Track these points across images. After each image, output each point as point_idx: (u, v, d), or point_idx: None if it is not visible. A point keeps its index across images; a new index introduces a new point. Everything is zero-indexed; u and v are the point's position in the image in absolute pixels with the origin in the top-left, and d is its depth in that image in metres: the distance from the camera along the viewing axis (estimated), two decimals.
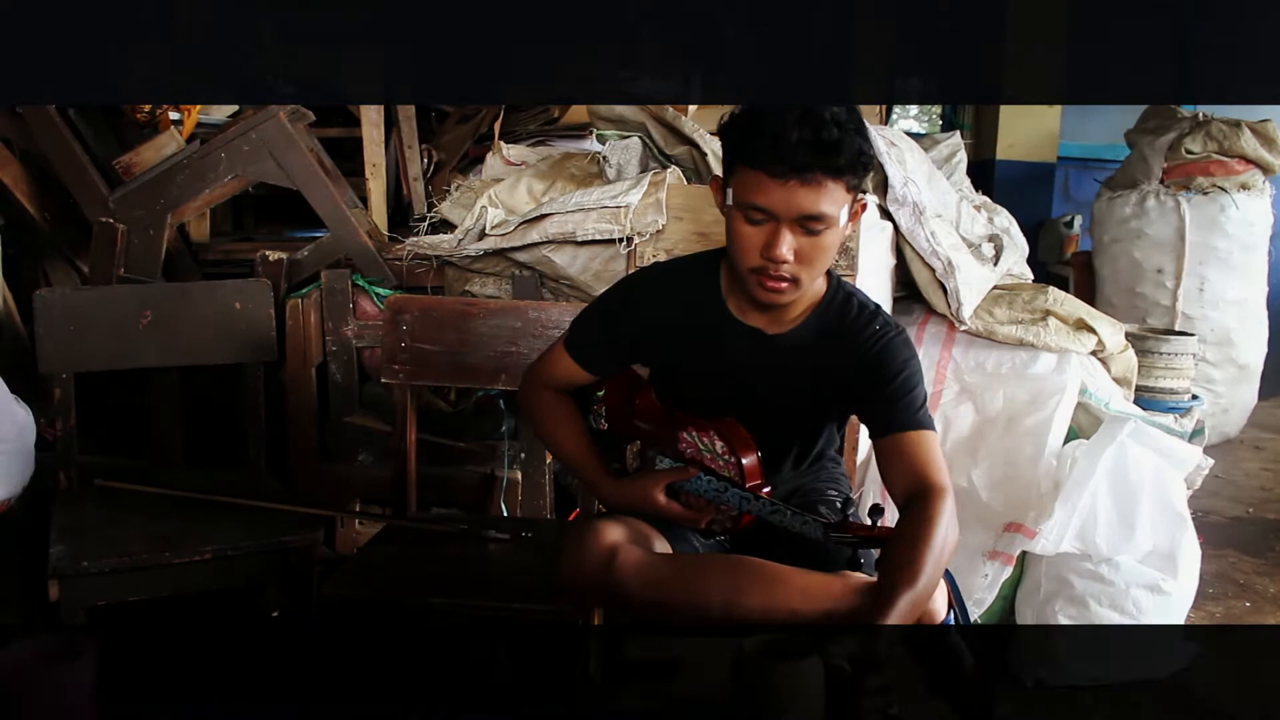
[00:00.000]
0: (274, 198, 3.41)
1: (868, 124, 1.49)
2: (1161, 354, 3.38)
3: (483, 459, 2.61)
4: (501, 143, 3.19)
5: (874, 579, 1.43)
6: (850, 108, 1.45)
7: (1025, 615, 2.33)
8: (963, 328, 2.53)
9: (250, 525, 1.96)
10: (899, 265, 2.60)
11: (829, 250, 1.46)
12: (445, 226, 2.75)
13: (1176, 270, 4.23)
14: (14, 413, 2.09)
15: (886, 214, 2.50)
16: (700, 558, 1.55)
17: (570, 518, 2.46)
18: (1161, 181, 4.31)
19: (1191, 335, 3.58)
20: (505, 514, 2.52)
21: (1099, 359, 2.62)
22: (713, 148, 2.50)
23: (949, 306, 2.49)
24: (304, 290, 2.62)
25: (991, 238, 2.94)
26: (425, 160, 3.75)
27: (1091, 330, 2.53)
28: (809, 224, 1.41)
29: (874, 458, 1.60)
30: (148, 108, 2.98)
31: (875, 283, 2.39)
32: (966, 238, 2.80)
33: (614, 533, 1.50)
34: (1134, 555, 2.22)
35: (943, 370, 2.56)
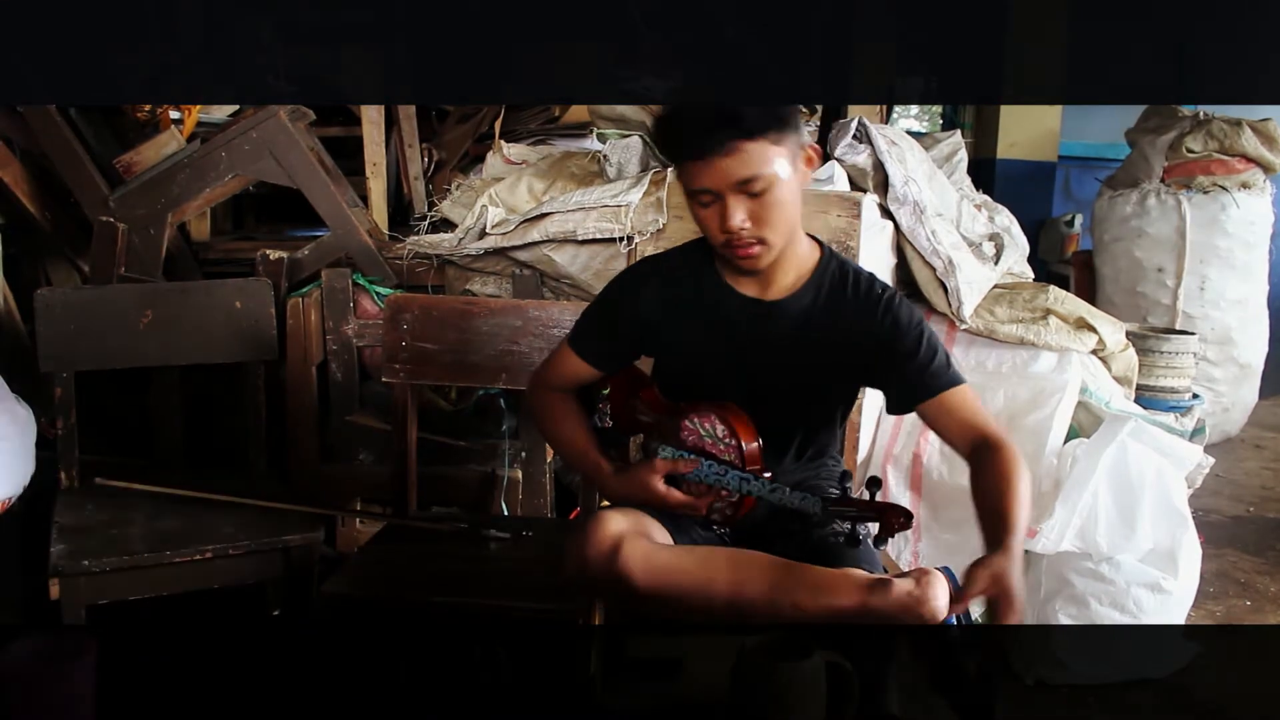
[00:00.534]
0: (274, 197, 3.42)
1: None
2: (1162, 353, 3.38)
3: (483, 458, 2.61)
4: (502, 142, 3.19)
5: (877, 575, 1.43)
6: None
7: (1026, 614, 2.32)
8: (963, 326, 2.53)
9: (251, 524, 1.96)
10: (899, 264, 2.60)
11: (782, 205, 1.48)
12: (446, 225, 2.75)
13: (1177, 269, 4.23)
14: (15, 411, 2.09)
15: (887, 213, 2.50)
16: (706, 550, 1.55)
17: (571, 516, 2.46)
18: (1162, 180, 4.31)
19: (1192, 334, 3.58)
20: (506, 513, 2.52)
21: (1100, 358, 2.62)
22: None
23: (949, 305, 2.49)
24: (305, 289, 2.62)
25: (992, 237, 2.94)
26: (426, 159, 3.76)
27: (1092, 329, 2.53)
28: (747, 188, 1.45)
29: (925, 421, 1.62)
30: (148, 107, 2.98)
31: None
32: (967, 237, 2.80)
33: (619, 524, 1.50)
34: (1134, 554, 2.22)
35: None
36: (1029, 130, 5.46)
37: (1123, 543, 2.19)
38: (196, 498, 2.05)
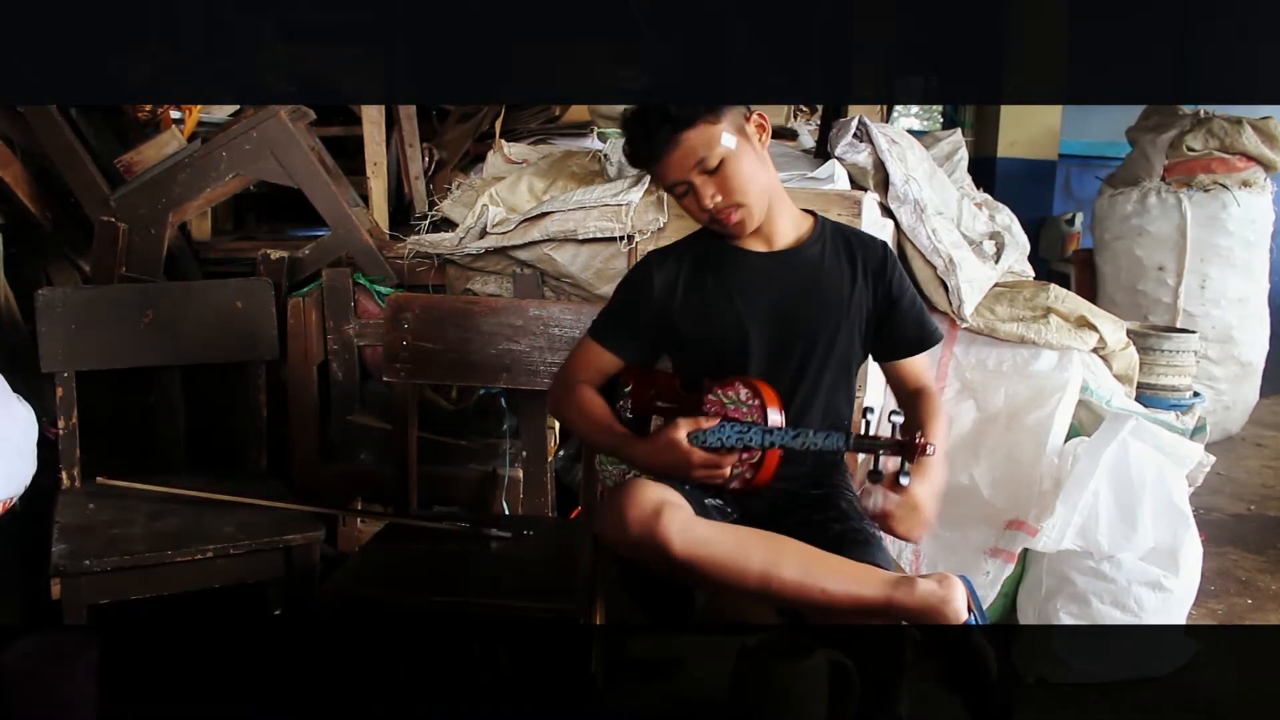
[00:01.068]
0: (275, 196, 3.42)
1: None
2: (1163, 351, 3.38)
3: (484, 457, 2.61)
4: (502, 141, 3.19)
5: (902, 574, 1.45)
6: None
7: (1027, 613, 2.33)
8: (964, 325, 2.53)
9: (252, 524, 1.96)
10: (900, 262, 2.60)
11: (741, 172, 1.66)
12: (446, 225, 2.75)
13: (1178, 268, 4.23)
14: (16, 411, 2.09)
15: (888, 211, 2.50)
16: (742, 528, 1.57)
17: (572, 515, 2.46)
18: (1163, 179, 4.31)
19: (1193, 333, 3.58)
20: (507, 512, 2.52)
21: (1100, 356, 2.62)
22: None
23: (950, 304, 2.48)
24: (305, 289, 2.62)
25: (993, 235, 2.94)
26: (426, 159, 3.75)
27: (1093, 328, 2.53)
28: (703, 167, 1.64)
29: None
30: (149, 107, 2.98)
31: None
32: (968, 235, 2.80)
33: (661, 491, 1.52)
34: (1135, 553, 2.22)
35: (944, 368, 2.56)
36: (1029, 129, 5.46)
37: (1124, 541, 2.19)
38: (197, 497, 2.05)
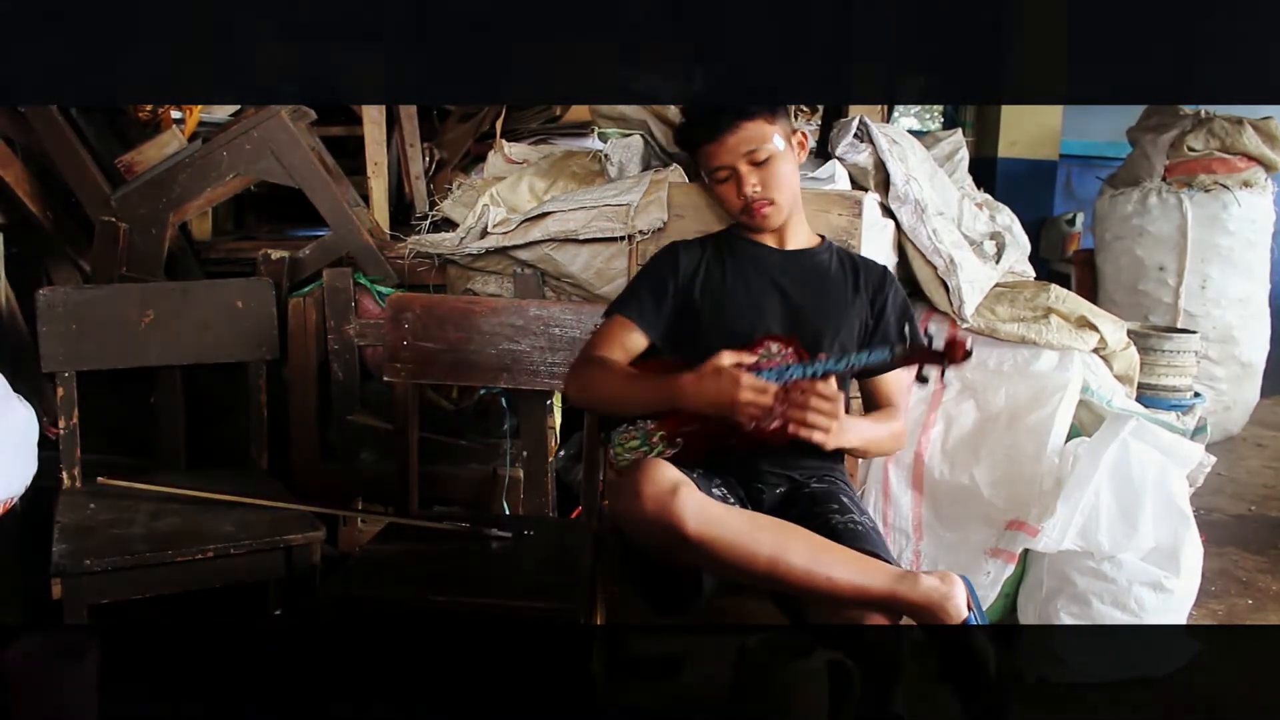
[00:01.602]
0: (276, 196, 3.41)
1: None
2: (1164, 351, 3.38)
3: (485, 457, 2.61)
4: (503, 141, 3.19)
5: (907, 570, 1.47)
6: None
7: (1027, 613, 2.33)
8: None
9: (252, 524, 1.96)
10: (901, 263, 2.60)
11: (783, 172, 1.85)
12: (447, 225, 2.75)
13: (1179, 268, 4.23)
14: (17, 411, 2.09)
15: (888, 211, 2.50)
16: (753, 513, 1.60)
17: (573, 515, 2.46)
18: (1164, 179, 4.31)
19: (1194, 333, 3.58)
20: (507, 512, 2.53)
21: (1101, 356, 2.62)
22: None
23: (951, 304, 2.48)
24: (306, 289, 2.62)
25: (993, 235, 2.94)
26: (427, 158, 3.75)
27: (1093, 328, 2.53)
28: (753, 156, 1.82)
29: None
30: (150, 106, 2.98)
31: None
32: (968, 235, 2.79)
33: (676, 472, 1.54)
34: (1136, 553, 2.22)
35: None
36: (1030, 129, 5.46)
37: (1124, 541, 2.19)
38: (198, 497, 2.05)
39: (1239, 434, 4.49)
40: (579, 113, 4.06)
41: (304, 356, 2.58)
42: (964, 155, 3.54)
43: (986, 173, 5.18)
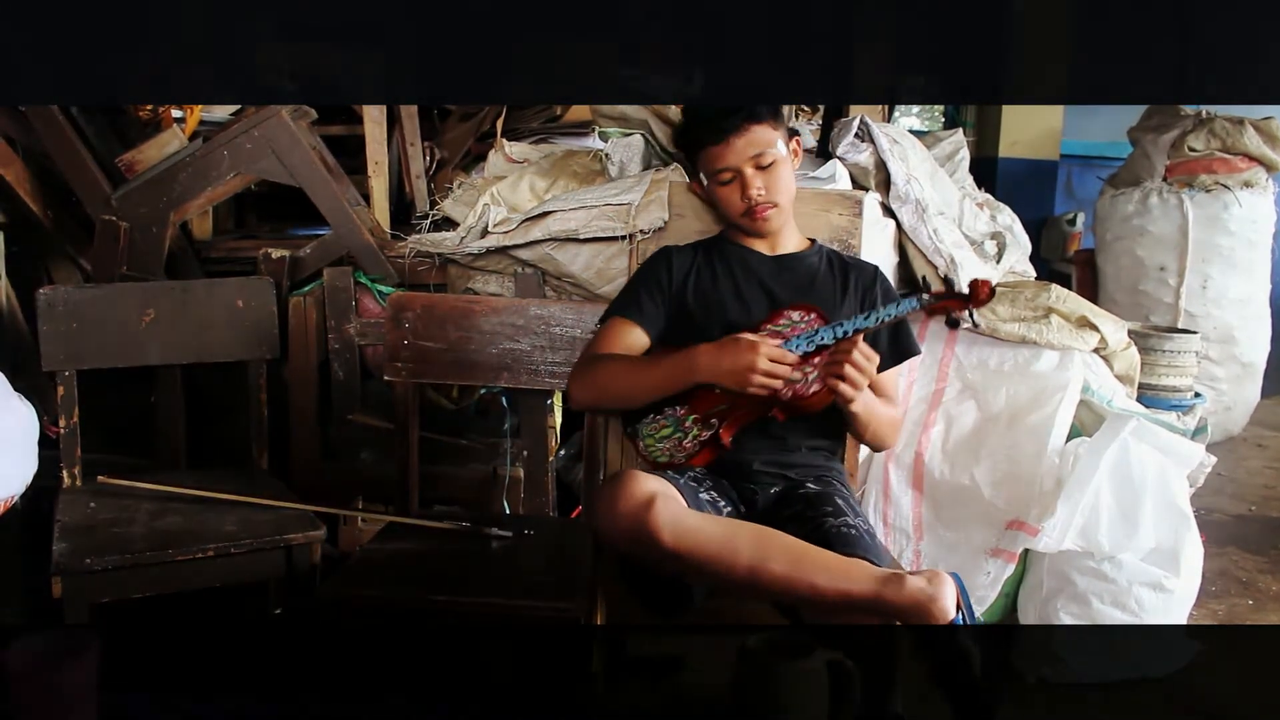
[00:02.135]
0: (276, 195, 3.41)
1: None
2: (1164, 352, 3.37)
3: (485, 456, 2.61)
4: (504, 140, 3.19)
5: (891, 570, 1.45)
6: None
7: (1028, 613, 2.32)
8: (965, 325, 2.52)
9: (252, 523, 1.96)
10: (901, 262, 2.60)
11: (785, 176, 1.86)
12: (447, 224, 2.75)
13: (1179, 268, 4.23)
14: (17, 410, 2.09)
15: (889, 211, 2.50)
16: (732, 522, 1.59)
17: (573, 515, 2.46)
18: (1164, 179, 4.31)
19: (1194, 333, 3.58)
20: (508, 512, 2.53)
21: (1102, 356, 2.62)
22: None
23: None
24: (306, 288, 2.62)
25: (994, 235, 2.94)
26: (428, 158, 3.75)
27: (1094, 328, 2.53)
28: (759, 160, 1.82)
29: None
30: (150, 105, 2.98)
31: None
32: (969, 235, 2.80)
33: (652, 483, 1.53)
34: (1136, 553, 2.22)
35: (945, 367, 2.56)
36: (1031, 129, 5.45)
37: (1125, 541, 2.19)
38: (198, 496, 2.05)
39: (1239, 434, 4.49)
40: (580, 112, 4.05)
41: (304, 356, 2.58)
42: (965, 155, 3.54)
43: (987, 172, 5.18)
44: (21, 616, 2.18)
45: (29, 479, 2.11)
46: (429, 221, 2.77)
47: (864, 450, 2.38)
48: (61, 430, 2.17)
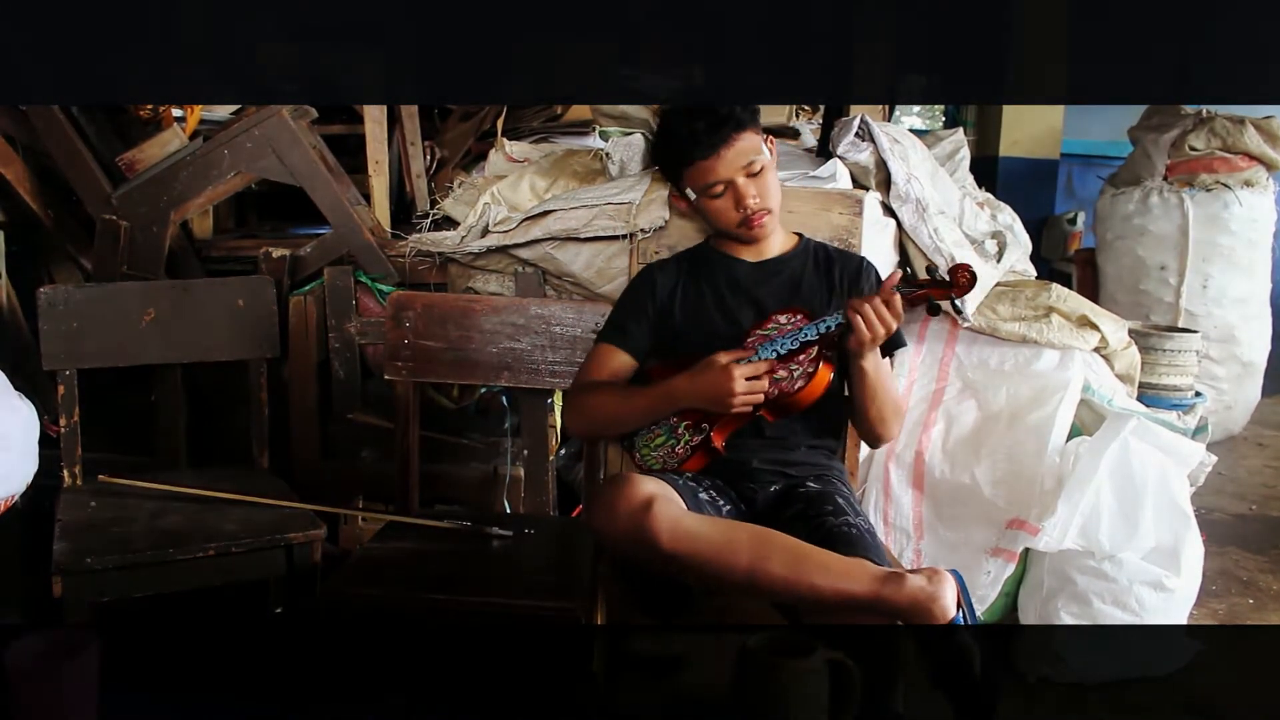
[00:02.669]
0: (277, 195, 3.41)
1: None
2: (1165, 351, 3.38)
3: (486, 456, 2.61)
4: (504, 139, 3.18)
5: (891, 569, 1.45)
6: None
7: (1028, 612, 2.32)
8: (965, 324, 2.53)
9: (253, 522, 1.96)
10: (901, 261, 2.60)
11: (775, 183, 1.86)
12: (448, 223, 2.75)
13: (1180, 267, 4.23)
14: (18, 409, 2.09)
15: (889, 210, 2.50)
16: (731, 523, 1.60)
17: (574, 514, 2.46)
18: (1165, 178, 4.31)
19: (1195, 332, 3.58)
20: (508, 511, 2.52)
21: (1102, 356, 2.62)
22: None
23: (952, 303, 2.48)
24: (307, 287, 2.62)
25: (994, 234, 2.94)
26: (428, 157, 3.75)
27: (1095, 327, 2.53)
28: (750, 168, 1.81)
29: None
30: (150, 105, 2.98)
31: None
32: (969, 234, 2.79)
33: (651, 485, 1.55)
34: (1137, 552, 2.22)
35: (946, 367, 2.56)
36: (1031, 128, 5.46)
37: (1125, 541, 2.19)
38: (199, 496, 2.05)
39: (1240, 433, 4.49)
40: (580, 111, 4.05)
41: (305, 355, 2.58)
42: (965, 154, 3.53)
43: (988, 172, 5.18)
44: (22, 616, 2.18)
45: (29, 478, 2.11)
46: (429, 221, 2.76)
47: (864, 449, 2.38)
48: (62, 429, 2.17)
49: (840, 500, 1.70)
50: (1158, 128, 4.39)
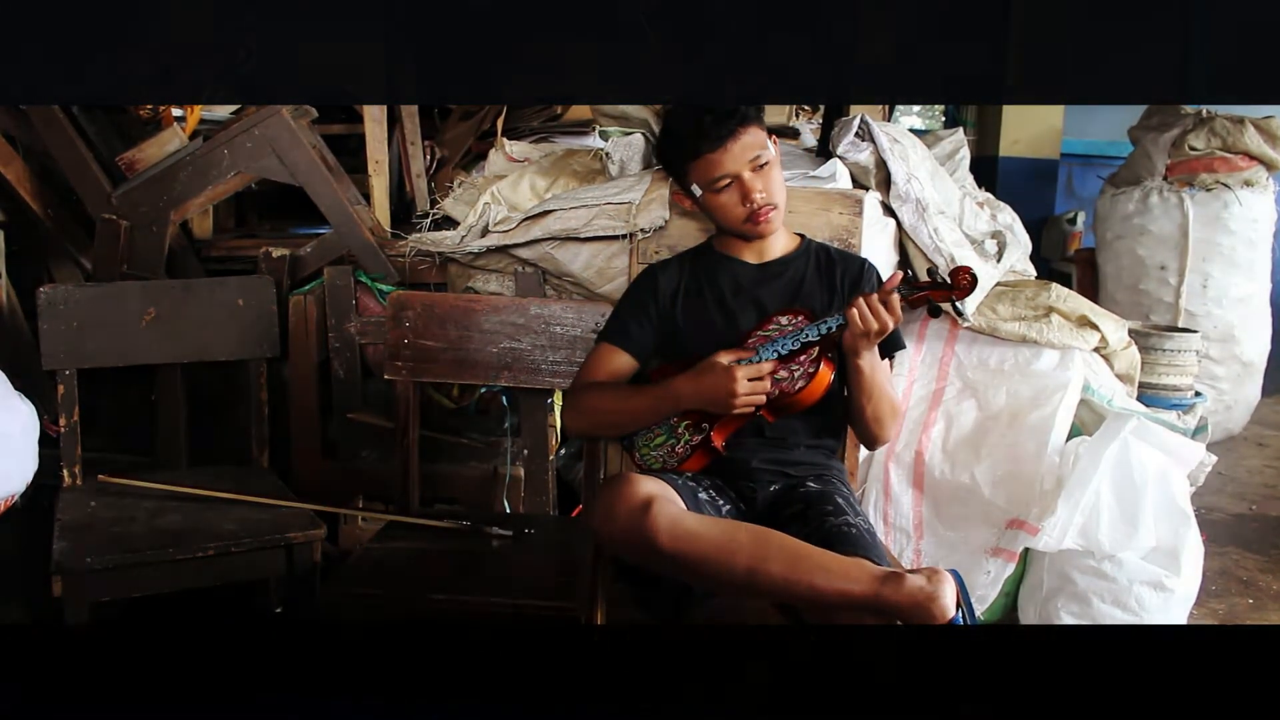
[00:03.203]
0: (277, 194, 3.41)
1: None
2: (1165, 351, 3.38)
3: (486, 455, 2.61)
4: (504, 139, 3.18)
5: (890, 569, 1.45)
6: None
7: (1028, 612, 2.33)
8: (965, 324, 2.53)
9: (253, 522, 1.97)
10: (901, 261, 2.60)
11: (779, 178, 1.85)
12: (448, 223, 2.75)
13: (1180, 267, 4.23)
14: (17, 409, 2.09)
15: (889, 210, 2.50)
16: (730, 523, 1.60)
17: (573, 514, 2.46)
18: (1165, 178, 4.31)
19: (1195, 332, 3.58)
20: (508, 510, 2.53)
21: (1102, 356, 2.62)
22: None
23: (952, 303, 2.48)
24: (307, 287, 2.62)
25: (994, 234, 2.94)
26: (428, 157, 3.75)
27: (1094, 327, 2.53)
28: (756, 162, 1.79)
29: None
30: (150, 105, 2.98)
31: None
32: (969, 234, 2.79)
33: (651, 486, 1.55)
34: (1137, 552, 2.22)
35: (945, 366, 2.56)
36: (1031, 128, 5.45)
37: (1125, 541, 2.19)
38: (199, 495, 2.05)
39: (1240, 433, 4.49)
40: (580, 111, 4.05)
41: (305, 354, 2.58)
42: (965, 154, 3.53)
43: (988, 171, 5.18)
44: (22, 616, 2.18)
45: (29, 478, 2.11)
46: (429, 220, 2.76)
47: (864, 449, 2.38)
48: (62, 429, 2.17)
49: (840, 500, 1.71)
50: (1158, 128, 4.39)
